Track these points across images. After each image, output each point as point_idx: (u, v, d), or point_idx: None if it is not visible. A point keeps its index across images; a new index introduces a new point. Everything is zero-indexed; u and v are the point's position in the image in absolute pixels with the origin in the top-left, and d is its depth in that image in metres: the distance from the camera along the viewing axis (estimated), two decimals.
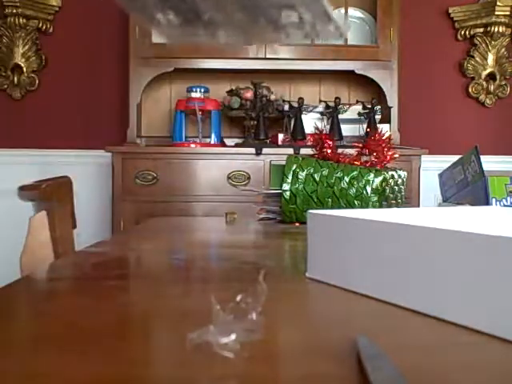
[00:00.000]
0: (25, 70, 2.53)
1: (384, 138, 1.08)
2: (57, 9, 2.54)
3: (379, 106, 2.53)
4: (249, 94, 2.50)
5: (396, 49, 2.59)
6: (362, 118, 2.52)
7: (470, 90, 2.85)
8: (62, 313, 0.38)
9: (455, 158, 0.99)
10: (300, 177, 0.98)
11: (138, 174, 2.17)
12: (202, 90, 2.49)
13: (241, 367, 0.27)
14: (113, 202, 2.19)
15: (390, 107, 2.58)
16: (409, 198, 2.14)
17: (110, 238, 0.72)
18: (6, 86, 2.53)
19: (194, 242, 0.82)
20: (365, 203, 0.96)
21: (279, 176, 1.00)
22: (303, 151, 2.17)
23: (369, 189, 0.97)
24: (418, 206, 2.26)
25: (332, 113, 2.49)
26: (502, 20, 2.72)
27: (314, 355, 0.30)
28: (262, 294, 0.31)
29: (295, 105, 2.49)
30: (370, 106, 2.48)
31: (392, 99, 2.59)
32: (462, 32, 2.82)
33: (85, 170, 2.51)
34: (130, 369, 0.28)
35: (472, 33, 2.81)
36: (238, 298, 0.31)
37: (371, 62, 2.58)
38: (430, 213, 0.54)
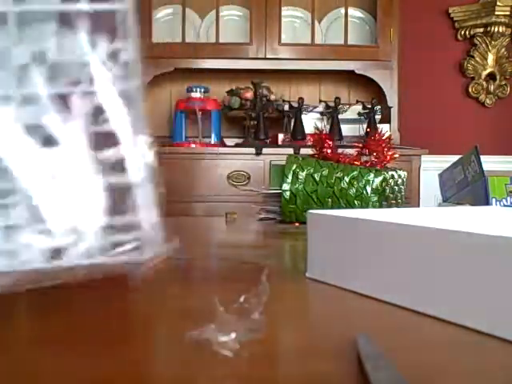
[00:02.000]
0: None
1: (384, 138, 1.08)
2: None
3: (379, 106, 2.53)
4: (249, 94, 2.50)
5: (396, 49, 2.59)
6: (362, 117, 2.52)
7: (469, 90, 2.85)
8: (61, 313, 0.38)
9: (455, 157, 0.99)
10: (300, 177, 0.98)
11: None
12: (202, 90, 2.49)
13: (240, 366, 0.27)
14: None
15: (390, 107, 2.59)
16: (409, 198, 2.14)
17: None
18: None
19: (194, 242, 0.82)
20: (365, 203, 0.96)
21: (279, 176, 1.00)
22: (303, 151, 2.17)
23: (369, 189, 0.97)
24: (418, 205, 2.26)
25: (332, 113, 2.49)
26: (502, 20, 2.72)
27: (313, 355, 0.30)
28: (263, 294, 0.31)
29: (295, 105, 2.49)
30: (370, 106, 2.48)
31: (392, 99, 2.59)
32: (462, 32, 2.82)
33: None
34: (130, 368, 0.28)
35: (472, 33, 2.81)
36: (242, 298, 0.31)
37: (371, 62, 2.58)
38: (430, 213, 0.54)
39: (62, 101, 0.29)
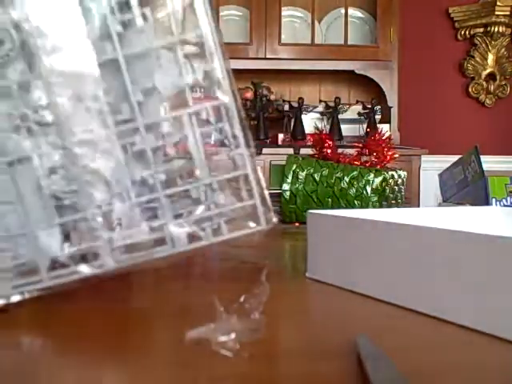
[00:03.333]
0: None
1: (384, 138, 1.08)
2: None
3: (379, 106, 2.53)
4: (249, 94, 2.50)
5: (396, 49, 2.59)
6: (362, 118, 2.52)
7: (469, 90, 2.85)
8: (61, 312, 0.38)
9: (455, 158, 0.99)
10: (300, 177, 0.98)
11: None
12: (202, 90, 2.48)
13: (240, 366, 0.27)
14: None
15: (390, 107, 2.59)
16: (409, 198, 2.14)
17: None
18: None
19: None
20: (365, 203, 0.96)
21: (279, 176, 1.00)
22: (303, 151, 2.17)
23: (369, 189, 0.97)
24: (418, 206, 2.26)
25: (332, 113, 2.49)
26: (502, 20, 2.73)
27: (313, 355, 0.30)
28: (263, 294, 0.31)
29: (295, 105, 2.49)
30: (370, 106, 2.48)
31: (392, 99, 2.59)
32: (462, 32, 2.82)
33: None
34: (130, 368, 0.28)
35: (472, 33, 2.81)
36: (242, 298, 0.31)
37: (371, 62, 2.58)
38: (430, 213, 0.54)
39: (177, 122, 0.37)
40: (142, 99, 0.36)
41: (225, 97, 0.37)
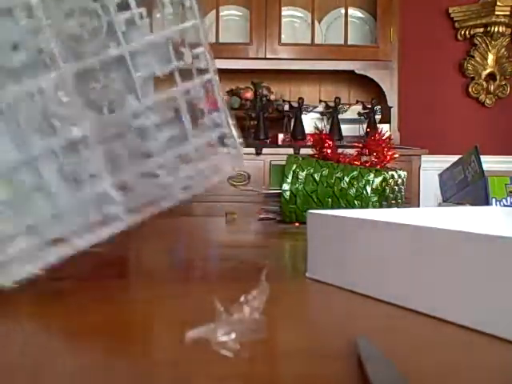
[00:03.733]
0: None
1: (384, 138, 1.08)
2: None
3: (379, 106, 2.53)
4: (249, 94, 2.50)
5: (396, 49, 2.59)
6: (362, 118, 2.52)
7: (469, 90, 2.85)
8: (61, 312, 0.38)
9: (455, 158, 0.99)
10: (300, 177, 0.98)
11: None
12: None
13: (240, 366, 0.27)
14: None
15: (390, 107, 2.59)
16: (409, 198, 2.14)
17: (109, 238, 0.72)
18: None
19: (194, 242, 0.82)
20: (365, 203, 0.96)
21: (279, 176, 1.00)
22: (303, 151, 2.17)
23: (369, 189, 0.97)
24: (418, 206, 2.26)
25: (332, 113, 2.49)
26: (502, 20, 2.73)
27: (313, 355, 0.30)
28: (264, 294, 0.31)
29: (295, 105, 2.49)
30: (369, 106, 2.48)
31: (392, 99, 2.59)
32: (462, 32, 2.82)
33: None
34: (130, 368, 0.28)
35: (472, 33, 2.81)
36: (242, 298, 0.31)
37: (371, 62, 2.58)
38: (430, 213, 0.54)
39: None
40: (143, 84, 0.42)
41: (208, 75, 0.44)
